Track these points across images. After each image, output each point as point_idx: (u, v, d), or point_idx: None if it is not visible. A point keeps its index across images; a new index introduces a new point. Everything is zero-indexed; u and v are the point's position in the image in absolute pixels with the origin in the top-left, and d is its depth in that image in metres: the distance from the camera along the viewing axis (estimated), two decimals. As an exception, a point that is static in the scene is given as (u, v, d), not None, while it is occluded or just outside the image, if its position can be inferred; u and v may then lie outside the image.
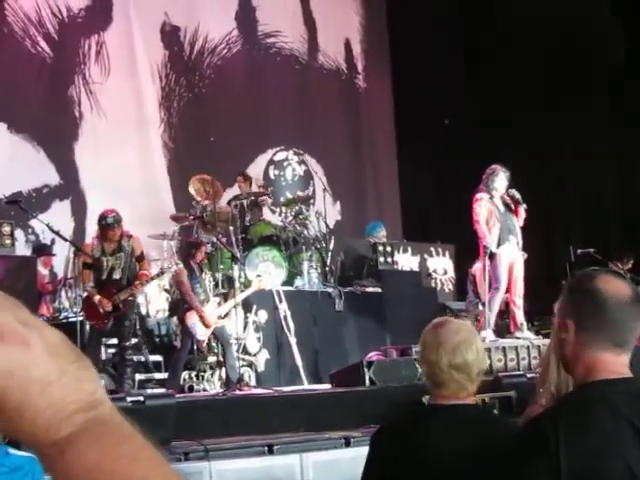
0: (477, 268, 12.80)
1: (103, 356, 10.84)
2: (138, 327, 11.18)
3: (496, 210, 11.90)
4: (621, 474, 2.50)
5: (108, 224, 10.26)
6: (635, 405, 2.63)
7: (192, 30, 17.10)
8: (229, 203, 13.62)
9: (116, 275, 10.32)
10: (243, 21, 17.89)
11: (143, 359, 11.63)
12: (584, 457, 2.49)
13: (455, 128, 17.11)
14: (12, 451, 4.47)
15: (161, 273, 11.25)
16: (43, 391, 0.95)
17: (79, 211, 14.80)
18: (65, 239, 10.76)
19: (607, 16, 15.64)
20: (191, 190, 13.50)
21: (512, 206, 12.03)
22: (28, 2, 15.06)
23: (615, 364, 2.71)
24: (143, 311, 12.53)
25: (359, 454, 7.81)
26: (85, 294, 10.62)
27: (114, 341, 10.87)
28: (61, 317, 11.04)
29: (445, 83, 17.02)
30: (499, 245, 11.86)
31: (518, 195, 12.01)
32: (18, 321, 0.97)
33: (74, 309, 11.60)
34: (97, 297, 10.12)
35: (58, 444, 0.95)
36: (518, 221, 12.09)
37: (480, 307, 12.57)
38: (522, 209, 12.03)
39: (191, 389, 11.00)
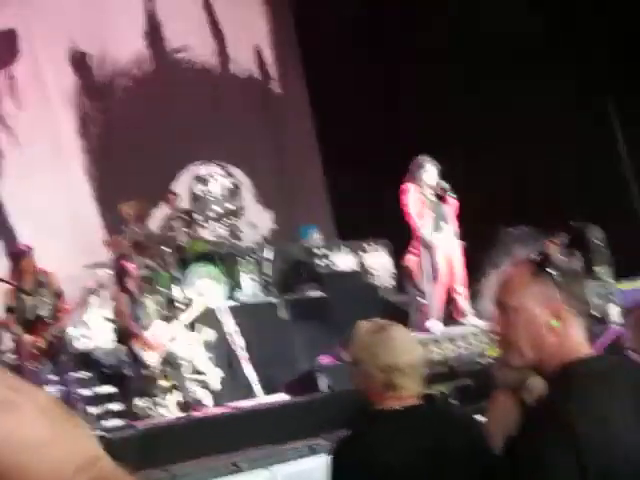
0: (410, 260, 12.83)
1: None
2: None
3: (426, 199, 12.01)
4: (624, 444, 2.54)
5: (20, 252, 10.62)
6: (622, 375, 2.72)
7: (100, 54, 16.97)
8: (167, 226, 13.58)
9: (41, 312, 10.32)
10: (150, 39, 17.80)
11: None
12: (601, 438, 2.50)
13: (377, 124, 17.17)
14: None
15: (87, 295, 11.25)
16: (40, 454, 0.95)
17: (12, 246, 14.56)
18: (2, 280, 10.62)
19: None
20: (122, 214, 13.44)
21: (441, 195, 12.16)
22: None
23: (586, 343, 2.79)
24: (90, 344, 12.45)
25: (327, 460, 7.88)
26: (14, 339, 10.54)
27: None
28: (6, 358, 10.84)
29: (361, 80, 17.08)
30: (434, 232, 11.97)
31: (446, 185, 12.14)
32: (6, 386, 0.96)
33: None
34: (28, 337, 10.07)
35: None
36: (450, 209, 12.21)
37: (420, 298, 12.63)
38: (450, 197, 12.15)
39: (148, 417, 10.93)
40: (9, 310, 10.41)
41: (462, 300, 12.11)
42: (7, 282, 10.55)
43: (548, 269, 2.77)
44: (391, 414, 3.53)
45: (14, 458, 0.94)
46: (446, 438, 3.45)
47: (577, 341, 2.74)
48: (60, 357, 10.44)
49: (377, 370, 3.51)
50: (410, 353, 3.50)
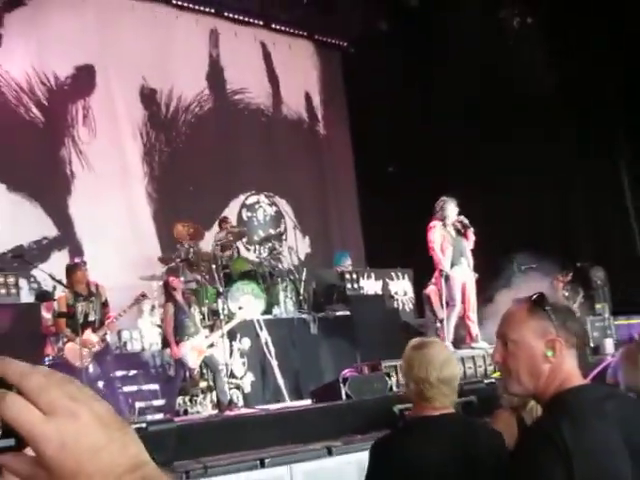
0: (430, 290, 12.83)
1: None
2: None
3: (448, 235, 12.06)
4: (616, 467, 2.57)
5: (75, 265, 10.84)
6: (611, 404, 2.72)
7: (167, 91, 17.13)
8: (217, 244, 13.60)
9: (91, 318, 10.48)
10: (213, 81, 17.97)
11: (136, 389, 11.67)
12: (589, 458, 2.54)
13: (408, 166, 17.24)
14: None
15: (135, 303, 11.36)
16: (93, 457, 0.98)
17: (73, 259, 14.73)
18: (65, 286, 10.76)
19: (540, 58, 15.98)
20: (175, 234, 13.52)
21: (462, 231, 12.19)
22: (19, 72, 15.03)
23: (578, 372, 2.83)
24: (138, 346, 12.55)
25: (341, 461, 7.87)
26: (64, 340, 10.63)
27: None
28: (63, 356, 10.94)
29: (398, 128, 17.15)
30: (452, 266, 11.99)
31: (466, 220, 12.18)
32: (67, 396, 0.99)
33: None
34: (77, 339, 10.18)
35: None
36: (469, 244, 12.23)
37: (437, 323, 12.63)
38: (471, 232, 12.20)
39: (186, 412, 10.97)
40: (61, 315, 10.53)
41: (474, 326, 12.09)
42: (65, 286, 10.70)
43: (545, 306, 2.82)
44: (423, 420, 3.62)
45: (71, 460, 0.97)
46: (471, 443, 3.51)
47: (570, 371, 2.79)
48: (105, 357, 10.55)
49: (412, 381, 3.62)
50: (440, 370, 3.56)
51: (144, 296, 11.45)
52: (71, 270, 10.72)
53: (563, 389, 2.73)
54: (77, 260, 11.13)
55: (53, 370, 1.02)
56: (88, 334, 10.36)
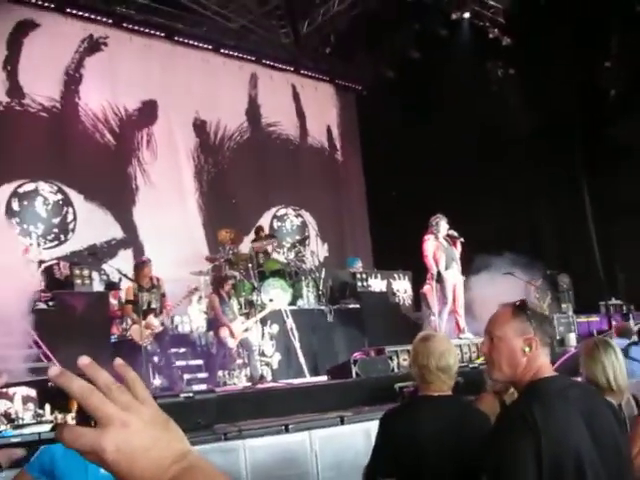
0: (426, 289, 12.71)
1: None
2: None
3: (441, 245, 11.94)
4: (576, 441, 2.56)
5: (142, 262, 10.80)
6: (574, 392, 2.72)
7: (215, 123, 17.16)
8: (253, 243, 13.56)
9: (153, 305, 10.43)
10: (251, 115, 17.98)
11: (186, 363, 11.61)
12: (555, 435, 2.52)
13: (407, 188, 17.16)
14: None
15: (188, 295, 11.32)
16: (144, 455, 1.02)
17: (139, 257, 14.69)
18: (129, 279, 10.71)
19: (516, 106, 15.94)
20: (219, 238, 13.49)
21: (451, 242, 12.08)
22: (96, 105, 15.11)
23: (550, 366, 2.83)
24: (187, 328, 12.49)
25: (351, 429, 7.77)
26: (130, 323, 10.57)
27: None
28: (127, 335, 10.88)
29: (400, 156, 17.09)
30: (446, 269, 11.87)
31: (455, 233, 12.08)
32: (121, 408, 1.02)
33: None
34: (143, 322, 10.13)
35: None
36: (458, 251, 12.13)
37: (431, 317, 12.51)
38: (459, 242, 12.09)
39: (225, 384, 10.91)
40: (128, 302, 10.49)
41: (461, 320, 11.95)
42: (129, 278, 10.67)
43: (526, 311, 2.83)
44: (424, 399, 3.59)
45: (126, 460, 1.01)
46: (462, 421, 3.47)
47: (542, 364, 2.78)
48: (164, 338, 10.48)
49: (416, 367, 3.60)
50: (439, 360, 3.54)
51: (196, 289, 11.44)
52: (139, 266, 10.67)
53: (536, 378, 2.74)
54: (144, 258, 11.06)
55: (110, 381, 1.04)
56: (151, 319, 10.32)
